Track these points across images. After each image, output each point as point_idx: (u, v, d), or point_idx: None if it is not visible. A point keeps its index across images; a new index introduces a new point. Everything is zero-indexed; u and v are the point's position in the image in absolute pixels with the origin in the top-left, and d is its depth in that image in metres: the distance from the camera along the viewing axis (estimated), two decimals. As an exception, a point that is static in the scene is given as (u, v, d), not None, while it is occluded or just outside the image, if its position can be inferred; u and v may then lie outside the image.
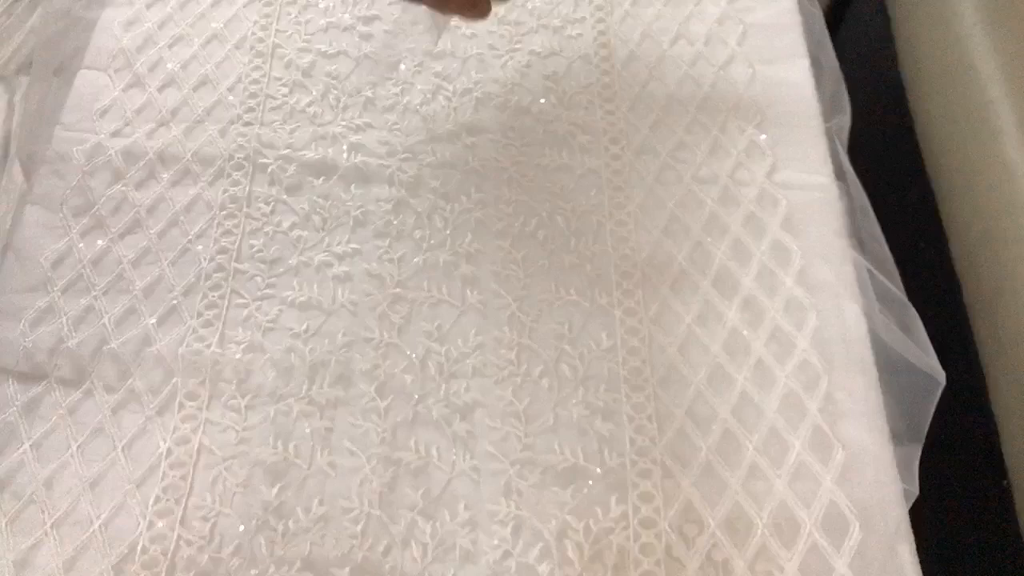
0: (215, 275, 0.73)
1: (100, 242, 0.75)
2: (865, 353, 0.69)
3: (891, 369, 0.70)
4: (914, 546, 0.62)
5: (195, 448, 0.66)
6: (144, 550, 0.62)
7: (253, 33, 0.88)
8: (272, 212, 0.77)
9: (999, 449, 0.76)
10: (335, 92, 0.84)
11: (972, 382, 0.79)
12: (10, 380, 0.68)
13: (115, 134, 0.81)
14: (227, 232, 0.76)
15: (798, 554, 0.61)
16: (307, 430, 0.66)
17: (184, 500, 0.64)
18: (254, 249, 0.75)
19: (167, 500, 0.63)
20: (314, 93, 0.84)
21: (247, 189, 0.78)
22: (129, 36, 0.88)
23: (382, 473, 0.64)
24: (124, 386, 0.68)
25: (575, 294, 0.72)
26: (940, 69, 0.91)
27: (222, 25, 0.89)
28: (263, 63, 0.86)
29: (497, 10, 0.67)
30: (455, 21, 0.81)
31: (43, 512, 0.63)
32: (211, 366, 0.69)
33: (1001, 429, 0.76)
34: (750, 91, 0.84)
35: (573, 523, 0.62)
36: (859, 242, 0.76)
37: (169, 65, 0.86)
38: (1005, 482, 0.75)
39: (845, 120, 0.84)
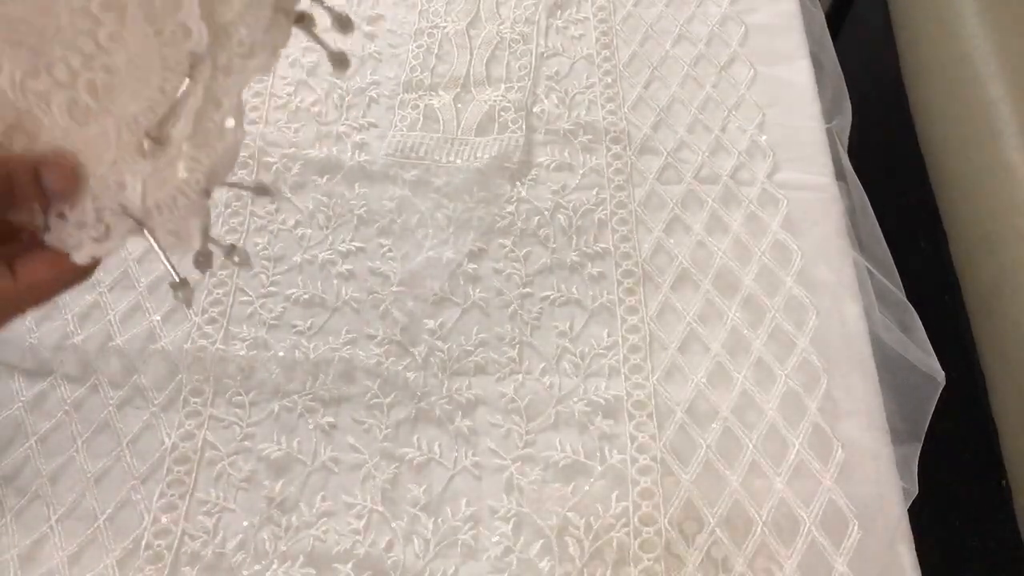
0: (220, 272, 0.74)
1: (105, 239, 0.75)
2: (865, 353, 0.70)
3: (891, 369, 0.70)
4: (913, 544, 0.62)
5: (199, 444, 0.66)
6: (148, 545, 0.62)
7: (258, 32, 0.89)
8: (276, 210, 0.78)
9: (998, 448, 0.76)
10: (339, 91, 0.85)
11: (971, 382, 0.80)
12: (16, 376, 0.69)
13: (120, 132, 0.81)
14: (232, 230, 0.76)
15: (797, 552, 0.61)
16: (310, 426, 0.67)
17: (188, 495, 0.64)
18: (259, 247, 0.75)
19: (171, 495, 0.64)
20: (319, 92, 0.85)
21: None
22: (134, 35, 0.88)
23: (385, 469, 0.65)
24: (129, 382, 0.68)
25: (577, 292, 0.73)
26: (941, 70, 0.92)
27: (227, 24, 0.89)
28: (267, 62, 0.87)
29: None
30: None
31: (48, 507, 0.63)
32: (215, 362, 0.69)
33: (1000, 429, 0.76)
34: (751, 92, 0.84)
35: (574, 519, 0.63)
36: (859, 242, 0.77)
37: (174, 64, 0.86)
38: (1004, 481, 0.75)
39: (846, 121, 0.84)
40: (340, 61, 0.49)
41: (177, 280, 0.43)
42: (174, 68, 0.40)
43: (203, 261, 0.44)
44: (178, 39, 0.40)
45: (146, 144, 0.41)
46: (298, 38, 0.89)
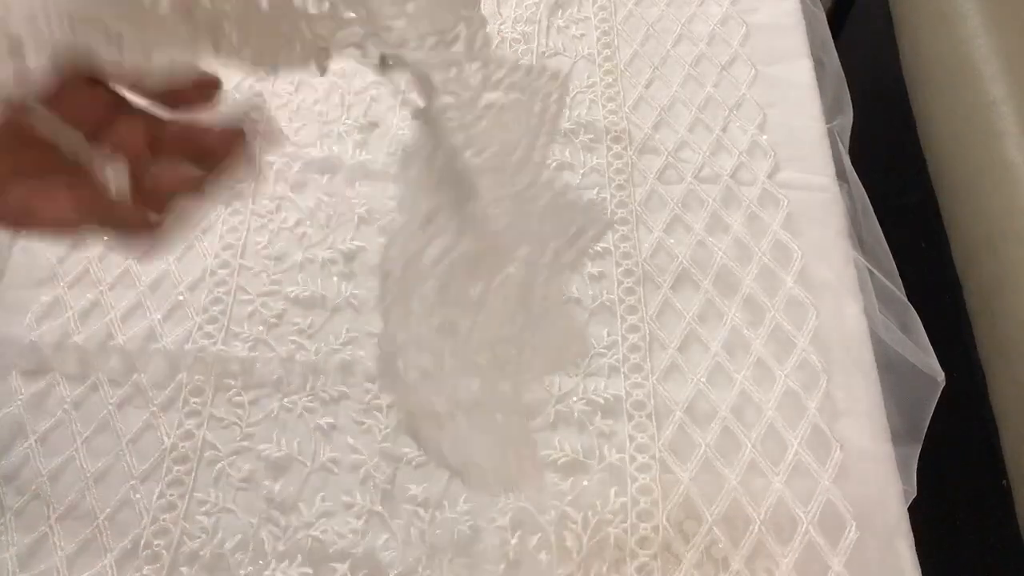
0: (220, 271, 0.74)
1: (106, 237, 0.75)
2: (865, 353, 0.70)
3: (891, 369, 0.70)
4: (913, 545, 0.62)
5: (199, 444, 0.66)
6: (147, 544, 0.62)
7: (258, 31, 0.89)
8: (277, 209, 0.78)
9: (998, 449, 0.76)
10: (341, 90, 0.85)
11: (972, 382, 0.79)
12: (16, 374, 0.69)
13: (121, 131, 0.81)
14: (232, 228, 0.76)
15: (794, 551, 0.61)
16: (310, 426, 0.67)
17: (187, 495, 0.64)
18: (259, 246, 0.75)
19: (171, 495, 0.64)
20: (320, 91, 0.85)
21: (253, 186, 0.79)
22: (135, 34, 0.88)
23: (384, 469, 0.65)
24: (129, 381, 0.68)
25: (577, 291, 0.73)
26: (942, 70, 0.91)
27: (228, 23, 0.89)
28: (268, 61, 0.87)
29: None
30: None
31: (47, 506, 0.63)
32: (216, 362, 0.69)
33: (1000, 429, 0.76)
34: (752, 91, 0.84)
35: (572, 514, 0.63)
36: (860, 242, 0.77)
37: (175, 63, 0.86)
38: (1004, 482, 0.75)
39: (847, 121, 0.84)
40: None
41: None
42: None
43: None
44: None
45: None
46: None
